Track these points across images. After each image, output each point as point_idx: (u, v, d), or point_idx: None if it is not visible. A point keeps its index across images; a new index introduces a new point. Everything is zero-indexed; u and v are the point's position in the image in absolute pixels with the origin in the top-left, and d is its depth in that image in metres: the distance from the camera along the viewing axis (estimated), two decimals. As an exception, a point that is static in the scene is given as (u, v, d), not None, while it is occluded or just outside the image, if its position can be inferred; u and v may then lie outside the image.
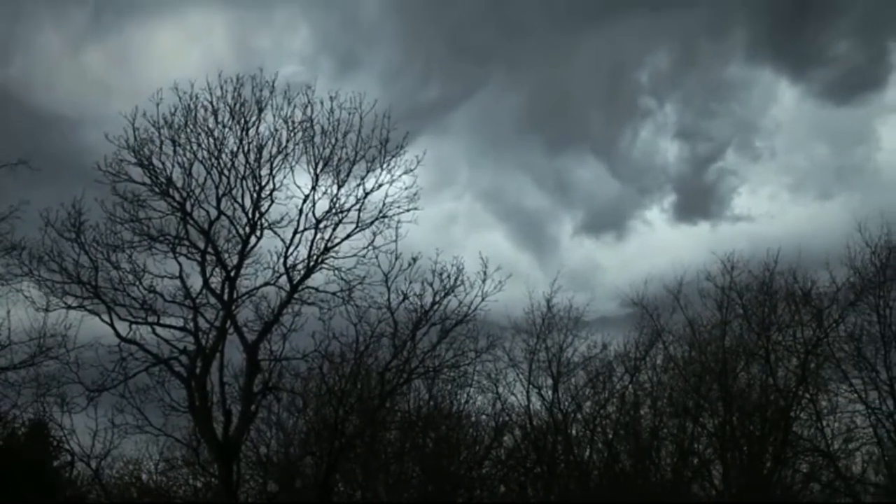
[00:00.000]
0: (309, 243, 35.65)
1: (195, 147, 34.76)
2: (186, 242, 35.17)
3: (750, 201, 76.23)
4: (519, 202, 73.86)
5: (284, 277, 35.71)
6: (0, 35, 56.82)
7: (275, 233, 35.60)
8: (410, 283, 36.65)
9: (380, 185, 35.68)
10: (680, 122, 78.51)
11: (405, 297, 36.76)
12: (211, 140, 34.84)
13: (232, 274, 35.45)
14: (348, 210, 35.65)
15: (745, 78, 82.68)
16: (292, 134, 35.33)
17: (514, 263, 63.10)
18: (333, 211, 35.61)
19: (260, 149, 35.10)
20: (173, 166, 34.71)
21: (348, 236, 35.79)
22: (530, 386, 42.45)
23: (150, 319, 35.31)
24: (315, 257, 35.69)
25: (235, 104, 35.00)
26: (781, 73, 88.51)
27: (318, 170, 35.42)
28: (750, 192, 76.74)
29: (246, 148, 34.99)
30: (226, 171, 34.92)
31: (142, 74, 63.95)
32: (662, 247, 69.37)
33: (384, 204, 35.64)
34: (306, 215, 35.50)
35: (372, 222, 35.68)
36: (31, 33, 62.76)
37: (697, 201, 73.96)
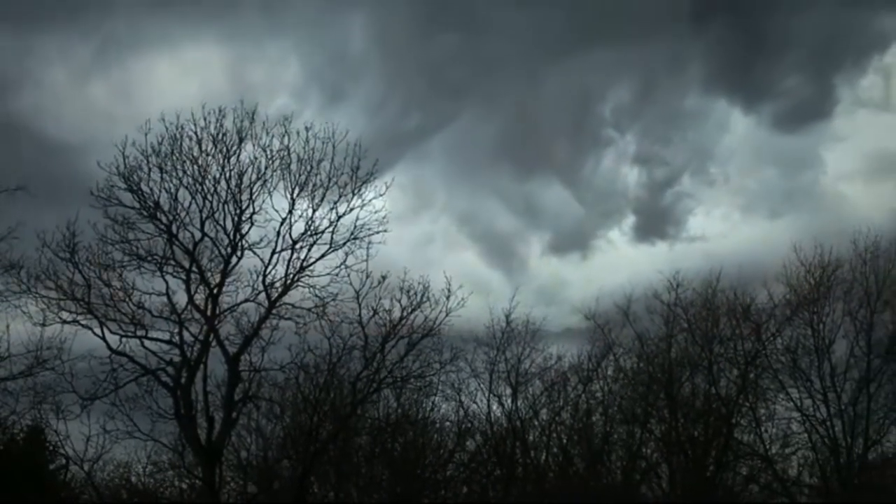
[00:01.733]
0: (286, 263, 36.46)
1: (181, 174, 35.49)
2: (172, 262, 35.84)
3: (704, 222, 77.19)
4: (491, 224, 74.66)
5: (263, 294, 36.44)
6: (12, 70, 57.42)
7: (254, 253, 36.37)
8: (380, 299, 37.48)
9: (351, 209, 36.48)
10: (639, 149, 79.48)
11: (375, 312, 37.62)
12: (195, 167, 35.57)
13: (215, 291, 36.15)
14: (322, 232, 36.48)
15: (700, 109, 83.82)
16: (270, 162, 36.08)
17: (487, 281, 63.85)
18: (308, 233, 36.40)
19: (241, 175, 35.86)
20: (160, 191, 35.44)
21: (322, 256, 36.62)
22: (491, 395, 43.13)
23: (138, 333, 35.88)
24: (292, 276, 36.46)
25: (218, 134, 35.67)
26: (734, 105, 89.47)
27: (295, 195, 36.29)
28: (704, 214, 77.80)
29: (227, 174, 35.75)
30: (209, 196, 35.66)
31: (143, 105, 64.50)
32: (623, 265, 70.15)
33: (355, 226, 36.45)
34: (283, 237, 36.30)
35: (344, 243, 36.48)
36: (41, 68, 63.45)
37: (655, 223, 74.87)
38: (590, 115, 79.36)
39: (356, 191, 36.46)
